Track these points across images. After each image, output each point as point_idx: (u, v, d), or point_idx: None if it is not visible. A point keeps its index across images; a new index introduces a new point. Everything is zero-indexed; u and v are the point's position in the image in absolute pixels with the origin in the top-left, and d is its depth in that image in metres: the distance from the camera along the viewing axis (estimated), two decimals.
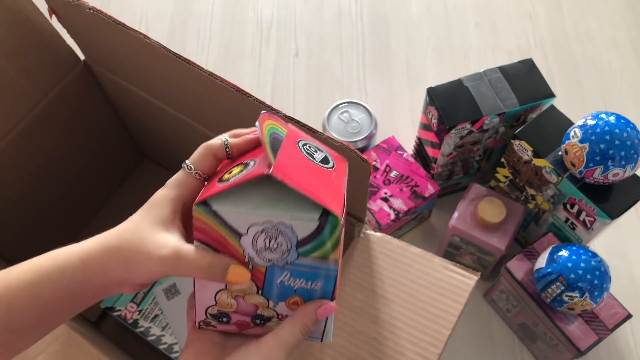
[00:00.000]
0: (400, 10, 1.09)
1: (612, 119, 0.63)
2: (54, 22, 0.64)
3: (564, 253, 0.66)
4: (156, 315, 0.72)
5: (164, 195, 0.37)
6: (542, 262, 0.67)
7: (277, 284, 0.36)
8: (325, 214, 0.33)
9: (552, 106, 0.73)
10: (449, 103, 0.73)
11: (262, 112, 0.36)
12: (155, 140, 0.83)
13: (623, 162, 0.62)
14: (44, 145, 0.72)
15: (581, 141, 0.63)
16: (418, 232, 0.88)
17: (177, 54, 0.53)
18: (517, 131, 0.71)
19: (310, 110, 0.99)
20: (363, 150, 0.87)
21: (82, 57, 0.71)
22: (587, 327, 0.68)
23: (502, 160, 0.76)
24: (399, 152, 0.83)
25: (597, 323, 0.68)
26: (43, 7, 0.63)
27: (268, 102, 0.50)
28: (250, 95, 0.51)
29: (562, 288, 0.64)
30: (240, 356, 0.34)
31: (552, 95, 0.74)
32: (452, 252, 0.81)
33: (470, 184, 0.77)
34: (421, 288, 0.54)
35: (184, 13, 1.10)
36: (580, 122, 0.65)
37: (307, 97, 1.00)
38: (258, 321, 0.37)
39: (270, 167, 0.32)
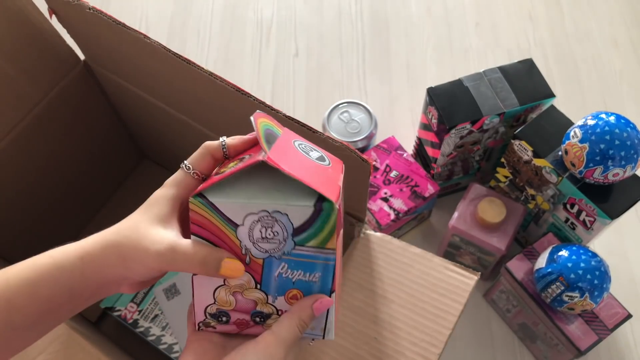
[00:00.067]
0: (400, 10, 1.09)
1: (612, 119, 0.63)
2: (54, 22, 0.64)
3: (564, 253, 0.66)
4: (156, 315, 0.72)
5: (162, 195, 0.37)
6: (542, 262, 0.67)
7: (275, 277, 0.35)
8: (320, 200, 0.34)
9: (552, 106, 0.73)
10: (449, 103, 0.73)
11: (257, 111, 0.36)
12: (155, 140, 0.83)
13: (623, 162, 0.62)
14: (44, 145, 0.72)
15: (581, 141, 0.63)
16: (418, 232, 0.88)
17: (177, 54, 0.53)
18: (517, 131, 0.71)
19: (310, 110, 0.99)
20: (363, 150, 0.87)
21: (82, 57, 0.71)
22: (587, 327, 0.68)
23: (502, 160, 0.76)
24: (399, 152, 0.83)
25: (597, 323, 0.68)
26: (43, 7, 0.63)
27: (268, 102, 0.50)
28: (250, 95, 0.51)
29: (562, 288, 0.64)
30: (238, 354, 0.34)
31: (552, 95, 0.74)
32: (452, 252, 0.81)
33: (470, 184, 0.77)
34: (421, 288, 0.54)
35: (184, 13, 1.10)
36: (580, 122, 0.65)
37: (307, 97, 1.00)
38: (258, 319, 0.37)
39: (265, 156, 0.32)
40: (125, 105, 0.78)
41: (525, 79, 0.75)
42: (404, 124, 0.96)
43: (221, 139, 0.38)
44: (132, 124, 0.83)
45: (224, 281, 0.36)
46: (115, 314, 0.73)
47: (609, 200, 0.66)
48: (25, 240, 0.74)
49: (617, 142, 0.61)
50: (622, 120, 0.63)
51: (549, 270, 0.66)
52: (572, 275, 0.64)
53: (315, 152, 0.37)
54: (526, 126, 0.71)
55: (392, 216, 0.78)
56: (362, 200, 0.55)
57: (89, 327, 0.72)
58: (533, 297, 0.69)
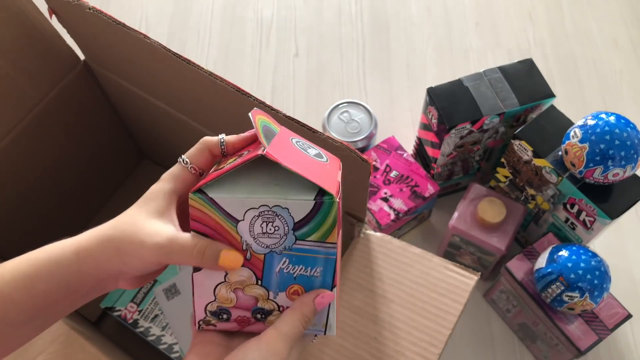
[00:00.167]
0: (400, 10, 1.09)
1: (612, 119, 0.63)
2: (54, 22, 0.64)
3: (564, 253, 0.66)
4: (156, 315, 0.72)
5: (159, 189, 0.37)
6: (542, 262, 0.67)
7: (276, 272, 0.35)
8: (321, 194, 0.34)
9: (552, 106, 0.73)
10: (449, 103, 0.73)
11: (255, 108, 0.36)
12: (155, 140, 0.83)
13: (623, 162, 0.62)
14: (43, 145, 0.72)
15: (581, 141, 0.63)
16: (418, 232, 0.88)
17: (177, 54, 0.53)
18: (517, 131, 0.71)
19: (310, 110, 0.99)
20: (363, 150, 0.87)
21: (82, 57, 0.71)
22: (587, 327, 0.68)
23: (502, 160, 0.76)
24: (399, 152, 0.83)
25: (597, 323, 0.68)
26: (43, 7, 0.63)
27: (268, 102, 0.50)
28: (250, 95, 0.51)
29: (562, 288, 0.64)
30: (240, 352, 0.34)
31: (552, 95, 0.74)
32: (452, 252, 0.81)
33: (470, 184, 0.77)
34: (421, 288, 0.54)
35: (184, 13, 1.10)
36: (580, 122, 0.65)
37: (307, 97, 1.00)
38: (259, 315, 0.37)
39: (264, 151, 0.32)
40: (125, 105, 0.78)
41: (525, 79, 0.75)
42: (404, 124, 0.96)
43: (220, 136, 0.38)
44: (132, 124, 0.83)
45: (225, 278, 0.36)
46: (115, 314, 0.73)
47: (609, 200, 0.66)
48: (25, 240, 0.73)
49: (617, 142, 0.61)
50: (622, 120, 0.63)
51: (549, 270, 0.66)
52: (572, 275, 0.64)
53: (313, 150, 0.38)
54: (526, 126, 0.71)
55: (392, 216, 0.78)
56: (362, 200, 0.55)
57: (89, 327, 0.72)
58: (533, 297, 0.69)
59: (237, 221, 0.34)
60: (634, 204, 0.66)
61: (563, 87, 0.99)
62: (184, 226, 0.36)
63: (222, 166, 0.36)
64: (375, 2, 1.10)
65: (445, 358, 0.77)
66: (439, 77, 1.01)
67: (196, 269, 0.36)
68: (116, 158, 0.88)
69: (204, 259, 0.34)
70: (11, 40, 0.62)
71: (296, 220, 0.34)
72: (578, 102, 0.98)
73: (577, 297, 0.64)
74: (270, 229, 0.34)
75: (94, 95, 0.76)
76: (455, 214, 0.75)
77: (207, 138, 0.38)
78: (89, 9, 0.56)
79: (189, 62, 0.53)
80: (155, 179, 0.38)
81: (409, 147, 0.89)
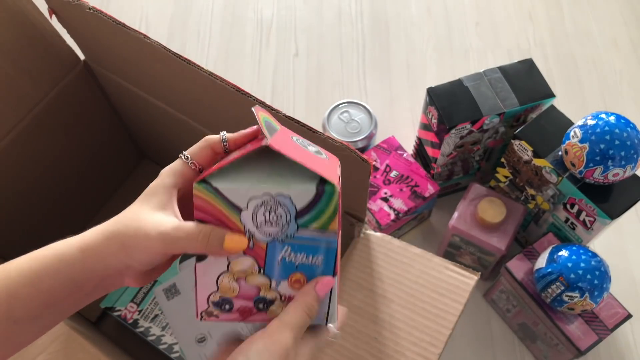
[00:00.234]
0: (400, 10, 1.09)
1: (612, 119, 0.63)
2: (54, 22, 0.64)
3: (564, 253, 0.66)
4: (156, 315, 0.72)
5: (160, 184, 0.37)
6: (542, 262, 0.67)
7: (278, 261, 0.36)
8: (322, 182, 0.34)
9: (552, 106, 0.73)
10: (449, 103, 0.73)
11: (257, 105, 0.37)
12: (155, 140, 0.83)
13: (623, 162, 0.62)
14: (43, 145, 0.72)
15: (581, 141, 0.63)
16: (418, 232, 0.88)
17: (177, 54, 0.53)
18: (517, 131, 0.71)
19: (310, 110, 0.99)
20: (363, 150, 0.87)
21: (82, 57, 0.71)
22: (587, 327, 0.68)
23: (502, 160, 0.76)
24: (399, 152, 0.83)
25: (597, 323, 0.68)
26: (43, 7, 0.63)
27: (268, 102, 0.50)
28: (250, 95, 0.51)
29: (562, 288, 0.64)
30: (247, 343, 0.34)
31: (552, 95, 0.74)
32: (452, 252, 0.81)
33: (470, 184, 0.77)
34: (421, 288, 0.54)
35: (184, 13, 1.10)
36: (580, 122, 0.65)
37: (307, 97, 1.00)
38: (261, 305, 0.37)
39: (267, 142, 0.33)
40: (125, 105, 0.78)
41: (525, 79, 0.75)
42: (404, 124, 0.96)
43: (221, 134, 0.39)
44: (132, 124, 0.83)
45: (227, 267, 0.36)
46: (115, 314, 0.73)
47: (609, 200, 0.66)
48: (25, 240, 0.73)
49: (617, 142, 0.61)
50: (622, 120, 0.63)
51: (549, 270, 0.66)
52: (572, 275, 0.64)
53: (312, 147, 0.38)
54: (526, 126, 0.71)
55: (392, 216, 0.78)
56: (362, 200, 0.55)
57: (89, 327, 0.72)
58: (533, 297, 0.69)
59: (240, 210, 0.35)
60: (634, 204, 0.66)
61: (563, 87, 0.99)
62: (186, 219, 0.37)
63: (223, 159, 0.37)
64: (375, 2, 1.10)
65: (445, 358, 0.77)
66: (439, 77, 1.01)
67: (199, 259, 0.36)
68: (116, 158, 0.88)
69: (209, 244, 0.35)
70: (11, 40, 0.62)
71: (298, 209, 0.35)
72: (578, 102, 0.98)
73: (577, 297, 0.64)
74: (272, 218, 0.35)
75: (94, 95, 0.76)
76: (455, 214, 0.75)
77: (209, 136, 0.39)
78: (89, 9, 0.56)
79: (189, 62, 0.53)
80: (155, 179, 0.38)
81: (409, 147, 0.89)
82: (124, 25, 0.55)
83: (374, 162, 0.83)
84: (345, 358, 0.52)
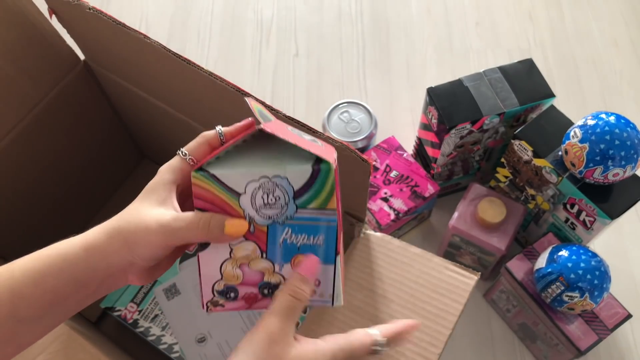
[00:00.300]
0: (400, 10, 1.09)
1: (612, 119, 0.63)
2: (54, 22, 0.64)
3: (564, 253, 0.66)
4: (156, 315, 0.72)
5: (159, 180, 0.38)
6: (542, 262, 0.67)
7: (279, 243, 0.36)
8: (318, 162, 0.35)
9: (552, 106, 0.73)
10: (449, 103, 0.73)
11: (251, 97, 0.38)
12: (155, 140, 0.83)
13: (623, 162, 0.62)
14: (43, 145, 0.72)
15: (581, 141, 0.63)
16: (418, 232, 0.88)
17: (177, 54, 0.53)
18: (517, 131, 0.71)
19: (310, 110, 0.99)
20: (363, 150, 0.87)
21: (82, 57, 0.71)
22: (587, 327, 0.68)
23: (502, 160, 0.76)
24: (399, 152, 0.83)
25: (597, 323, 0.68)
26: (43, 7, 0.63)
27: (268, 102, 0.50)
28: (250, 95, 0.51)
29: (562, 288, 0.64)
30: (247, 336, 0.35)
31: (552, 95, 0.74)
32: (452, 252, 0.81)
33: (470, 184, 0.77)
34: (421, 288, 0.54)
35: (184, 13, 1.10)
36: (580, 122, 0.65)
37: (307, 97, 1.00)
38: (266, 291, 0.37)
39: (261, 125, 0.34)
40: (125, 105, 0.78)
41: (525, 79, 0.75)
42: (404, 124, 0.96)
43: (217, 128, 0.39)
44: (132, 124, 0.83)
45: (230, 254, 0.36)
46: (115, 314, 0.73)
47: (609, 200, 0.66)
48: (25, 240, 0.73)
49: (617, 142, 0.61)
50: (622, 120, 0.63)
51: (549, 270, 0.66)
52: (572, 275, 0.64)
53: (308, 136, 0.39)
54: (526, 126, 0.71)
55: (392, 216, 0.78)
56: (362, 200, 0.55)
57: (89, 327, 0.72)
58: (533, 297, 0.69)
59: (239, 195, 0.35)
60: (634, 204, 0.66)
61: (563, 87, 0.99)
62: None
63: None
64: (375, 2, 1.10)
65: (445, 358, 0.77)
66: (439, 77, 1.01)
67: (201, 248, 0.36)
68: (116, 158, 0.88)
69: (210, 231, 0.35)
70: (11, 40, 0.62)
71: (296, 189, 0.35)
72: (578, 102, 0.98)
73: (577, 297, 0.64)
74: (271, 200, 0.35)
75: (94, 95, 0.76)
76: (455, 214, 0.75)
77: (205, 132, 0.39)
78: (89, 9, 0.56)
79: (189, 62, 0.53)
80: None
81: (409, 147, 0.89)
82: (124, 25, 0.55)
83: (374, 162, 0.83)
84: None
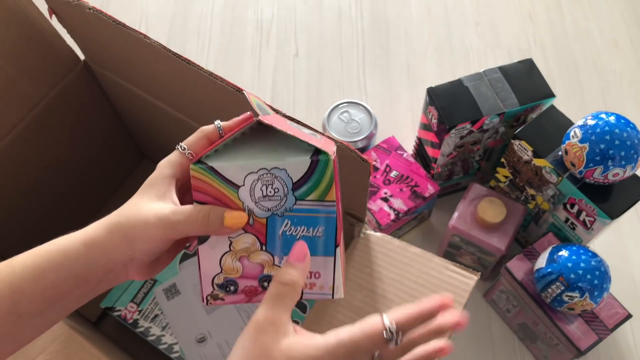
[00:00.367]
0: (400, 10, 1.09)
1: (612, 119, 0.63)
2: (54, 22, 0.64)
3: (564, 253, 0.66)
4: (156, 315, 0.72)
5: (158, 175, 0.38)
6: (542, 262, 0.67)
7: (279, 236, 0.36)
8: (316, 153, 0.35)
9: (552, 106, 0.73)
10: (449, 103, 0.73)
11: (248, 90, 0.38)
12: (155, 140, 0.83)
13: (623, 162, 0.62)
14: (43, 145, 0.72)
15: (581, 141, 0.63)
16: (418, 232, 0.88)
17: (177, 54, 0.53)
18: (517, 131, 0.71)
19: (310, 110, 0.99)
20: (363, 150, 0.87)
21: (82, 57, 0.71)
22: (587, 327, 0.68)
23: (502, 160, 0.76)
24: (399, 152, 0.83)
25: (597, 323, 0.68)
26: (43, 7, 0.63)
27: (268, 102, 0.50)
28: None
29: (562, 288, 0.64)
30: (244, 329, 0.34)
31: (552, 95, 0.74)
32: (452, 252, 0.81)
33: (470, 184, 0.77)
34: (421, 288, 0.54)
35: (184, 13, 1.10)
36: (580, 122, 0.65)
37: (307, 97, 1.00)
38: (266, 284, 0.37)
39: (259, 117, 0.34)
40: (125, 105, 0.78)
41: (525, 79, 0.75)
42: (404, 124, 0.96)
43: (216, 122, 0.39)
44: (132, 124, 0.83)
45: (229, 247, 0.36)
46: (115, 314, 0.73)
47: (609, 200, 0.66)
48: (25, 240, 0.73)
49: (617, 142, 0.61)
50: (622, 120, 0.63)
51: (549, 270, 0.66)
52: (572, 275, 0.64)
53: (307, 130, 0.39)
54: (526, 126, 0.71)
55: (392, 216, 0.78)
56: (362, 200, 0.55)
57: (89, 327, 0.72)
58: (533, 297, 0.69)
59: (238, 187, 0.35)
60: (634, 204, 0.66)
61: (563, 87, 0.99)
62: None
63: None
64: (375, 2, 1.10)
65: (445, 358, 0.77)
66: (439, 77, 1.01)
67: (201, 241, 0.36)
68: (116, 158, 0.88)
69: (209, 223, 0.35)
70: (11, 40, 0.62)
71: (294, 181, 0.35)
72: (578, 102, 0.98)
73: (577, 297, 0.64)
74: (270, 192, 0.35)
75: (94, 95, 0.76)
76: (455, 214, 0.75)
77: (204, 127, 0.39)
78: (89, 9, 0.56)
79: (189, 62, 0.53)
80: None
81: (409, 147, 0.89)
82: (124, 25, 0.55)
83: (374, 162, 0.83)
84: None
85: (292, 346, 0.32)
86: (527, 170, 0.73)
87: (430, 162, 0.82)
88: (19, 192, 0.72)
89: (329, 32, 1.07)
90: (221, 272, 0.37)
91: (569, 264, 0.64)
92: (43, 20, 0.64)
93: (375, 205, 0.79)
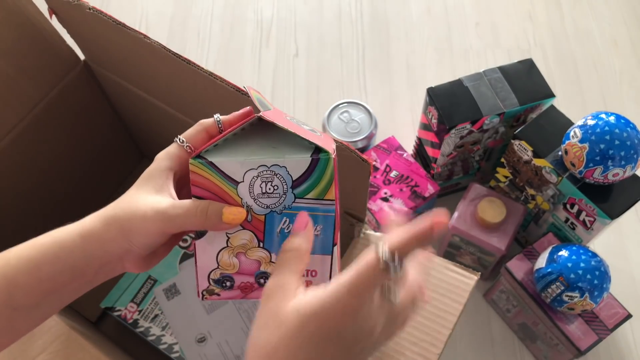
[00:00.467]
0: (400, 10, 1.09)
1: (612, 119, 0.63)
2: (54, 22, 0.64)
3: (564, 253, 0.66)
4: (156, 315, 0.72)
5: (156, 168, 0.38)
6: (542, 262, 0.67)
7: (277, 233, 0.36)
8: (317, 152, 0.35)
9: (552, 106, 0.73)
10: (449, 103, 0.73)
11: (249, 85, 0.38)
12: (155, 140, 0.83)
13: (623, 162, 0.62)
14: (43, 145, 0.72)
15: (581, 141, 0.63)
16: None
17: (177, 54, 0.53)
18: (517, 131, 0.71)
19: (310, 110, 0.99)
20: (363, 150, 0.87)
21: (82, 57, 0.71)
22: (587, 327, 0.68)
23: (502, 160, 0.76)
24: (399, 152, 0.83)
25: (597, 323, 0.68)
26: (43, 7, 0.63)
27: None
28: (250, 95, 0.51)
29: (562, 288, 0.64)
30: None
31: (552, 95, 0.74)
32: (452, 252, 0.81)
33: (470, 184, 0.77)
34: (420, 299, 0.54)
35: (184, 13, 1.10)
36: (580, 122, 0.65)
37: (307, 97, 1.00)
38: (262, 280, 0.37)
39: (260, 113, 0.34)
40: (125, 105, 0.78)
41: (525, 79, 0.75)
42: (404, 124, 0.96)
43: (215, 116, 0.39)
44: (132, 124, 0.83)
45: (227, 243, 0.36)
46: (115, 314, 0.73)
47: (609, 200, 0.66)
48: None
49: (617, 142, 0.61)
50: (622, 120, 0.63)
51: (549, 270, 0.66)
52: (572, 275, 0.64)
53: (307, 126, 0.39)
54: (526, 126, 0.71)
55: None
56: (362, 200, 0.55)
57: (89, 327, 0.72)
58: (533, 297, 0.69)
59: (237, 183, 0.35)
60: (634, 204, 0.66)
61: (563, 87, 0.99)
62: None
63: None
64: (375, 2, 1.10)
65: (445, 358, 0.77)
66: (439, 77, 1.01)
67: (198, 236, 0.36)
68: (116, 158, 0.88)
69: (207, 218, 0.35)
70: (11, 40, 0.62)
71: (294, 178, 0.35)
72: (578, 102, 0.98)
73: (577, 297, 0.64)
74: (269, 189, 0.35)
75: (94, 95, 0.76)
76: (455, 214, 0.75)
77: (203, 120, 0.39)
78: (89, 9, 0.56)
79: (189, 62, 0.53)
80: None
81: (409, 147, 0.89)
82: (124, 25, 0.55)
83: (374, 162, 0.83)
84: None
85: (299, 303, 0.31)
86: (527, 170, 0.73)
87: (430, 162, 0.82)
88: (18, 192, 0.72)
89: (329, 32, 1.07)
90: (218, 267, 0.37)
91: (569, 264, 0.64)
92: (43, 20, 0.64)
93: (375, 205, 0.79)
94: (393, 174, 0.81)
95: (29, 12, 0.62)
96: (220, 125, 0.39)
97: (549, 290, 0.66)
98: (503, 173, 0.78)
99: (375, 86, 1.01)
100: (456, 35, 1.05)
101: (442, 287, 0.53)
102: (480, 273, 0.53)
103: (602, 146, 0.62)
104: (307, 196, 0.35)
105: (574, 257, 0.65)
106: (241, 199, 0.35)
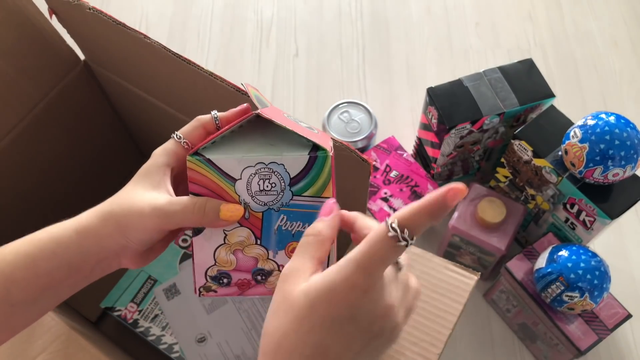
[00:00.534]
0: (400, 10, 1.09)
1: (612, 119, 0.63)
2: (54, 22, 0.64)
3: (564, 253, 0.66)
4: (156, 315, 0.72)
5: (153, 164, 0.38)
6: (542, 262, 0.67)
7: (274, 230, 0.36)
8: (315, 149, 0.35)
9: (552, 106, 0.73)
10: (449, 103, 0.73)
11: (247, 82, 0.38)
12: (155, 140, 0.83)
13: (623, 162, 0.62)
14: (43, 145, 0.72)
15: (581, 141, 0.63)
16: None
17: (177, 54, 0.53)
18: (517, 131, 0.71)
19: (310, 110, 0.99)
20: (363, 150, 0.87)
21: (82, 57, 0.71)
22: (587, 327, 0.68)
23: (502, 160, 0.76)
24: (399, 152, 0.83)
25: (597, 323, 0.68)
26: (43, 7, 0.63)
27: None
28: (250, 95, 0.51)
29: (562, 288, 0.64)
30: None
31: (552, 95, 0.74)
32: (452, 252, 0.81)
33: (470, 184, 0.77)
34: (421, 288, 0.54)
35: (184, 13, 1.10)
36: (580, 122, 0.65)
37: (307, 97, 1.00)
38: (259, 277, 0.37)
39: (258, 110, 0.34)
40: (125, 105, 0.78)
41: (525, 79, 0.75)
42: (404, 124, 0.96)
43: (213, 112, 0.39)
44: (132, 124, 0.83)
45: (224, 240, 0.36)
46: (115, 314, 0.73)
47: (609, 200, 0.66)
48: None
49: (617, 142, 0.61)
50: (622, 120, 0.63)
51: (549, 270, 0.66)
52: (572, 275, 0.64)
53: (304, 124, 0.39)
54: (526, 126, 0.71)
55: None
56: (362, 200, 0.55)
57: (89, 327, 0.72)
58: (533, 297, 0.69)
59: (235, 180, 0.35)
60: (634, 204, 0.66)
61: (563, 87, 0.99)
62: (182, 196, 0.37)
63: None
64: (375, 2, 1.10)
65: (445, 358, 0.77)
66: (439, 77, 1.01)
67: (196, 233, 0.36)
68: (116, 158, 0.88)
69: (205, 215, 0.35)
70: (11, 40, 0.62)
71: (292, 176, 0.35)
72: (578, 102, 0.98)
73: (577, 297, 0.64)
74: (267, 186, 0.35)
75: (94, 95, 0.76)
76: (455, 214, 0.75)
77: (201, 116, 0.39)
78: (89, 9, 0.56)
79: (189, 62, 0.53)
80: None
81: (409, 147, 0.89)
82: (124, 25, 0.55)
83: (374, 162, 0.83)
84: None
85: (308, 286, 0.30)
86: (527, 170, 0.73)
87: (430, 162, 0.82)
88: (18, 192, 0.72)
89: (329, 32, 1.07)
90: (215, 264, 0.37)
91: (569, 264, 0.64)
92: (43, 20, 0.64)
93: (375, 205, 0.79)
94: (393, 174, 0.81)
95: (29, 12, 0.62)
96: (217, 122, 0.39)
97: (549, 290, 0.66)
98: (503, 173, 0.78)
99: (375, 86, 1.01)
100: (456, 35, 1.05)
101: (442, 287, 0.53)
102: (480, 273, 0.53)
103: (602, 146, 0.62)
104: (304, 194, 0.35)
105: (574, 257, 0.65)
106: (239, 196, 0.35)
